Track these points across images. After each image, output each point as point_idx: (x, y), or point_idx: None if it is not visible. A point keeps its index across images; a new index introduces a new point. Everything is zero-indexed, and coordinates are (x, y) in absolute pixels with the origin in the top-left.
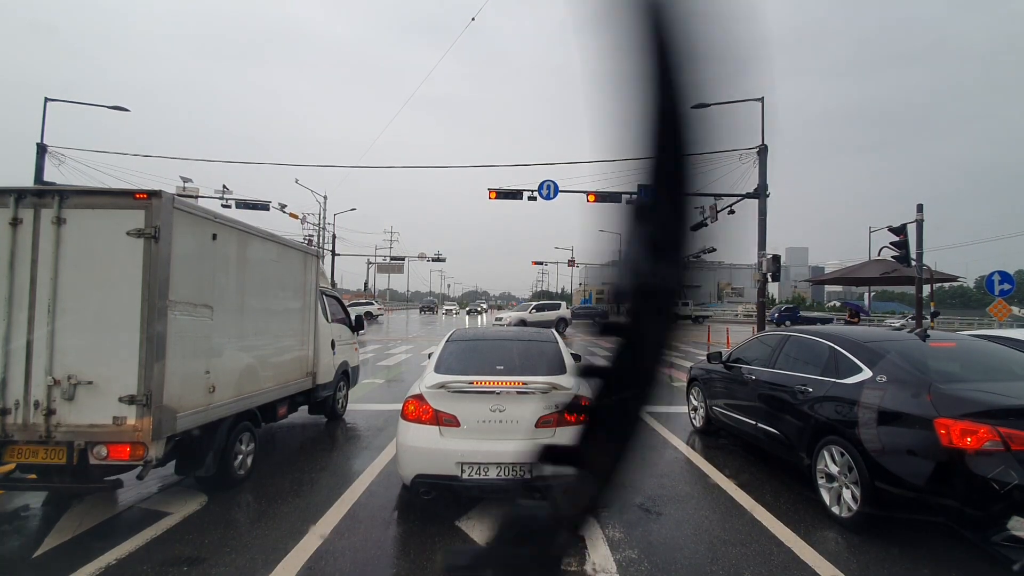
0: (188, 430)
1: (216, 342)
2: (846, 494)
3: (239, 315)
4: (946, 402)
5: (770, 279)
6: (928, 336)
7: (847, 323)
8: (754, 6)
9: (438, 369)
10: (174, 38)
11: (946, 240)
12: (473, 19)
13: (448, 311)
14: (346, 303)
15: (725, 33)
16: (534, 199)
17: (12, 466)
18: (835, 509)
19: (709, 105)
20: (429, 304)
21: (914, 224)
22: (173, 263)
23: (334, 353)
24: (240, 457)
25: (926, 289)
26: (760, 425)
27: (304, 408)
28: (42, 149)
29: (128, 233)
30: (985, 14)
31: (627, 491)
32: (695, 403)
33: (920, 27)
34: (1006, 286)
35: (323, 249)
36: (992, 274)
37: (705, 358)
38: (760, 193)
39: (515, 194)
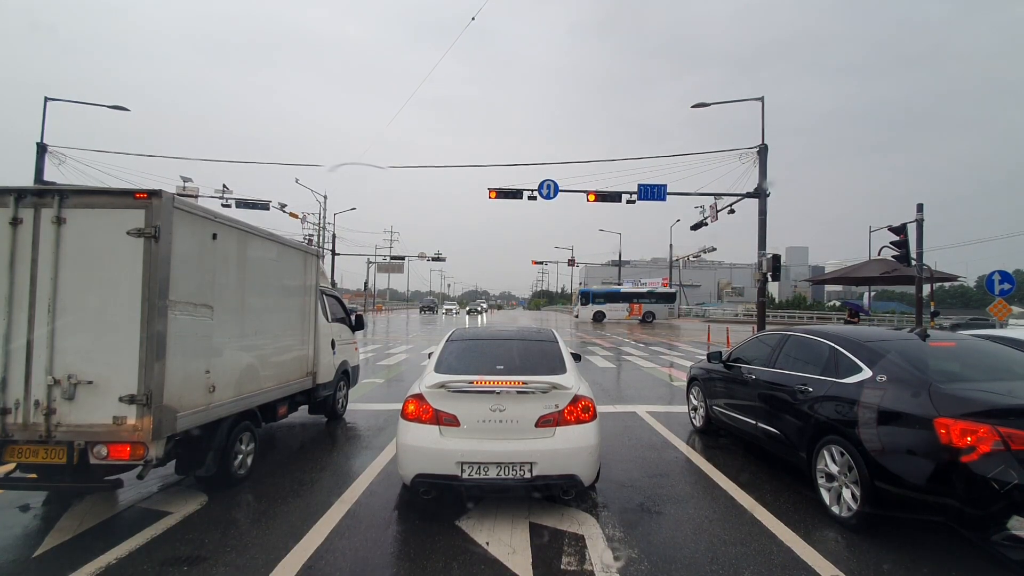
0: (188, 430)
1: (216, 342)
2: (846, 494)
3: (239, 315)
4: (946, 402)
5: (770, 278)
6: (928, 336)
7: (847, 323)
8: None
9: (438, 369)
10: (177, 39)
11: (946, 240)
12: (473, 19)
13: (448, 311)
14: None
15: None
16: (534, 198)
17: (12, 466)
18: (835, 509)
19: (709, 104)
20: (429, 304)
21: (914, 224)
22: (173, 263)
23: (334, 353)
24: (240, 457)
25: (926, 289)
26: (760, 425)
27: (304, 408)
28: (42, 149)
29: (128, 233)
30: (986, 19)
31: (627, 491)
32: (695, 403)
33: (921, 31)
34: (1006, 286)
35: (323, 249)
36: (992, 274)
37: (705, 358)
38: (760, 193)
39: (515, 193)
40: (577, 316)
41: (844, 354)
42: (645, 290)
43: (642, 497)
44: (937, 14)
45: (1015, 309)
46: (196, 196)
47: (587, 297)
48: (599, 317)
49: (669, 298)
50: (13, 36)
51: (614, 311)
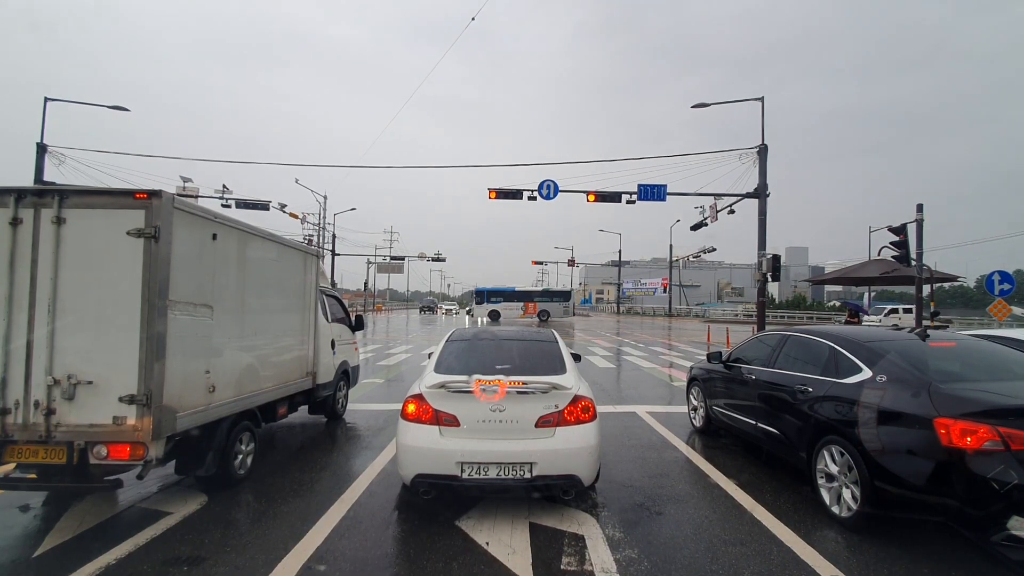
0: (188, 430)
1: (216, 342)
2: (846, 494)
3: (239, 315)
4: (946, 402)
5: (770, 279)
6: (928, 336)
7: (847, 323)
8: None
9: (438, 369)
10: (177, 39)
11: (946, 240)
12: (473, 19)
13: (448, 311)
14: None
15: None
16: (534, 199)
17: (12, 466)
18: (835, 509)
19: (709, 105)
20: (429, 304)
21: (914, 224)
22: (173, 263)
23: (334, 353)
24: (240, 457)
25: (926, 289)
26: (760, 425)
27: (304, 408)
28: (42, 149)
29: (128, 233)
30: (986, 19)
31: (627, 491)
32: (695, 403)
33: (921, 31)
34: (1006, 286)
35: (323, 249)
36: (992, 274)
37: (705, 358)
38: (760, 193)
39: (515, 194)
40: (472, 315)
41: (844, 354)
42: (540, 289)
43: (642, 497)
44: (937, 15)
45: (1015, 309)
46: (196, 196)
47: (482, 296)
48: (494, 316)
49: (564, 297)
50: (13, 36)
51: (509, 310)
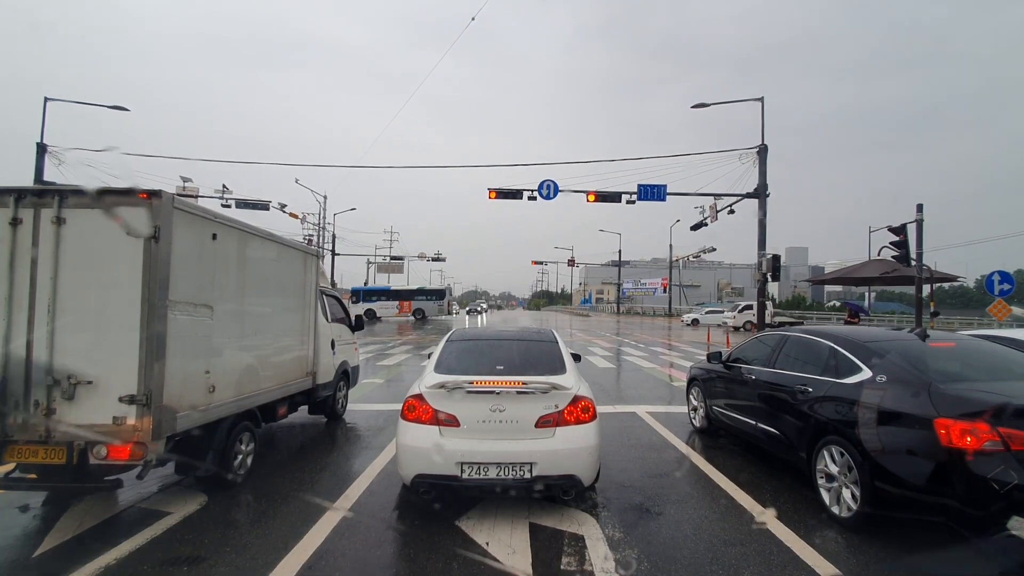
0: (188, 430)
1: (216, 342)
2: (846, 494)
3: (239, 315)
4: (946, 402)
5: (770, 279)
6: (928, 336)
7: (847, 323)
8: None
9: (438, 369)
10: (177, 39)
11: (946, 240)
12: (473, 19)
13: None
14: None
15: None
16: (534, 199)
17: (12, 466)
18: (835, 509)
19: (709, 105)
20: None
21: (914, 224)
22: (173, 263)
23: (334, 353)
24: (240, 457)
25: (926, 289)
26: (760, 425)
27: (304, 408)
28: (42, 149)
29: (128, 233)
30: (986, 19)
31: (627, 491)
32: (695, 403)
33: (921, 31)
34: (1006, 286)
35: (323, 249)
36: (992, 274)
37: (705, 358)
38: (760, 193)
39: (515, 194)
40: None
41: (844, 354)
42: (415, 288)
43: (642, 497)
44: (937, 15)
45: (1015, 309)
46: (196, 196)
47: (358, 295)
48: (370, 315)
49: (439, 295)
50: (13, 36)
51: (384, 308)
